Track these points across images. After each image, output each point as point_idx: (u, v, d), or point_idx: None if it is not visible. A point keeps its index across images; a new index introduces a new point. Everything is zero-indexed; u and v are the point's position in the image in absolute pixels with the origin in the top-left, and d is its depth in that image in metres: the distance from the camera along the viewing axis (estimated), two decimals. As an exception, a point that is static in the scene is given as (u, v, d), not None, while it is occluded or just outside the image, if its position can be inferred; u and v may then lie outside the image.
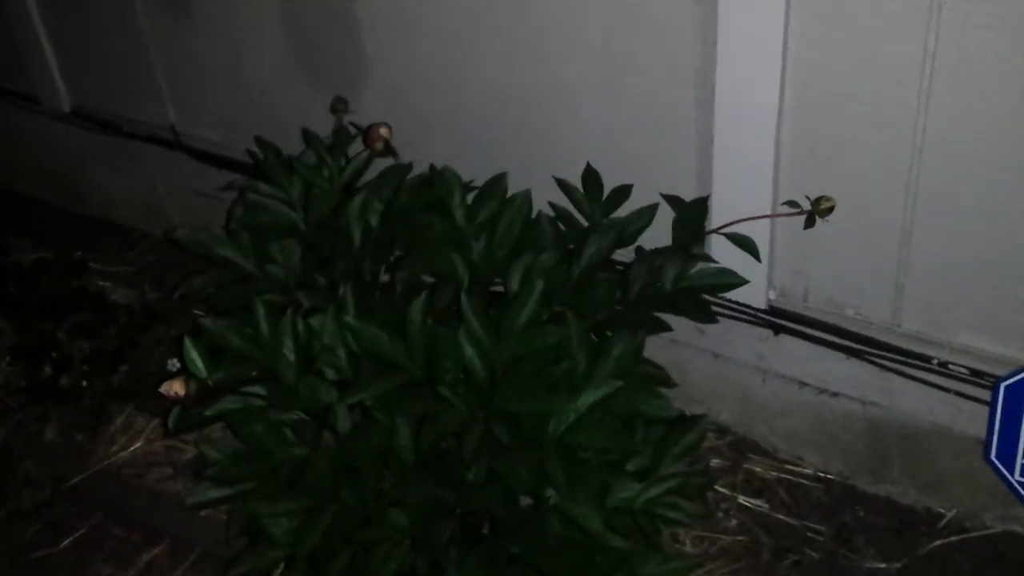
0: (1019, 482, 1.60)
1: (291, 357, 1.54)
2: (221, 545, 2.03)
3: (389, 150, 1.69)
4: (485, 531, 1.59)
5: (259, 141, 1.77)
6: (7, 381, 2.30)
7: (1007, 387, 1.54)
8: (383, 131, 1.67)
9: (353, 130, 1.78)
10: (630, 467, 1.68)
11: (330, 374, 1.65)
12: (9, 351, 2.32)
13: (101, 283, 2.59)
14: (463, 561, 1.50)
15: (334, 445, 1.55)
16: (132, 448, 2.23)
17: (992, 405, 1.59)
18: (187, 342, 1.50)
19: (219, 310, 1.81)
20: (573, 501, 1.50)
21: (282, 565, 1.70)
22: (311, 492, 1.55)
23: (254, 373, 1.61)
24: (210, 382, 1.48)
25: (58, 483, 2.22)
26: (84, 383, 2.24)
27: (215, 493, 1.68)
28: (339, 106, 1.96)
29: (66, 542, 2.14)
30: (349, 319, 1.53)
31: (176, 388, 1.45)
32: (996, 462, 1.61)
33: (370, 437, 1.55)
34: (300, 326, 1.55)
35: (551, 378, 1.54)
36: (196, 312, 2.36)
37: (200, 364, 1.50)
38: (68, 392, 2.23)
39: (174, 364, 2.26)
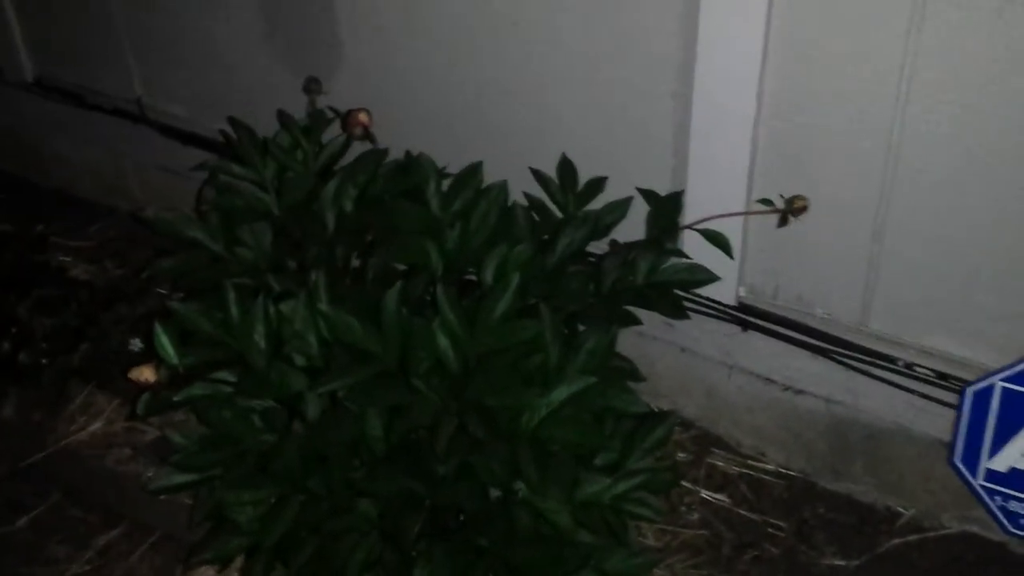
0: (981, 486, 1.62)
1: (262, 343, 1.52)
2: (181, 529, 2.03)
3: (368, 136, 1.67)
4: (453, 525, 1.58)
5: (232, 121, 1.74)
6: (-36, 359, 2.25)
7: (974, 392, 1.56)
8: (362, 116, 1.65)
9: (330, 114, 1.76)
10: (598, 462, 1.69)
11: (299, 360, 1.63)
12: (-33, 327, 2.28)
13: (62, 258, 2.54)
14: (431, 554, 1.50)
15: (303, 433, 1.54)
16: (91, 428, 2.20)
17: (959, 410, 1.60)
18: (157, 327, 1.48)
19: (186, 292, 1.78)
20: (543, 496, 1.49)
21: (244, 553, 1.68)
22: (278, 480, 1.54)
23: (222, 358, 1.59)
24: (180, 368, 1.46)
25: (15, 461, 2.18)
26: (44, 361, 2.20)
27: (179, 478, 1.66)
28: (313, 87, 1.92)
29: (22, 521, 2.11)
30: (322, 306, 1.51)
31: (146, 374, 1.42)
32: (960, 465, 1.63)
33: (340, 427, 1.53)
34: (271, 311, 1.53)
35: (524, 371, 1.53)
36: (161, 292, 2.33)
37: (170, 350, 1.47)
38: (27, 369, 2.19)
39: (136, 344, 2.23)
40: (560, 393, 1.52)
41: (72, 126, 2.73)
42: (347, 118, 1.67)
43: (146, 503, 2.08)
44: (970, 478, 1.63)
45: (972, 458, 1.60)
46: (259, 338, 1.53)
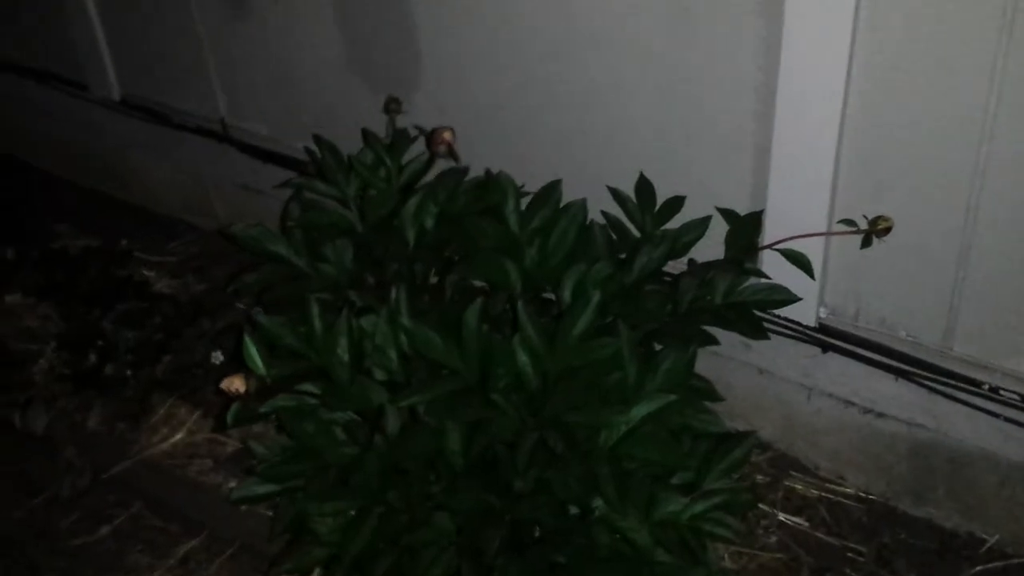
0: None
1: (345, 357, 1.55)
2: (259, 539, 2.06)
3: (452, 154, 1.69)
4: (529, 540, 1.59)
5: (317, 139, 1.77)
6: (52, 368, 2.31)
7: (1065, 417, 1.52)
8: (447, 135, 1.67)
9: (414, 132, 1.78)
10: (675, 481, 1.68)
11: (379, 375, 1.66)
12: (55, 338, 2.34)
13: (145, 273, 2.60)
14: (508, 569, 1.50)
15: (383, 447, 1.55)
16: (174, 439, 2.24)
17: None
18: (246, 338, 1.51)
19: (269, 306, 1.81)
20: (622, 514, 1.49)
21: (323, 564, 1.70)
22: (359, 493, 1.56)
23: (305, 371, 1.61)
24: (268, 380, 1.48)
25: (98, 472, 2.23)
26: (128, 373, 2.25)
27: (261, 489, 1.68)
28: (393, 106, 1.96)
29: (104, 531, 2.15)
30: (405, 321, 1.53)
31: (237, 385, 1.45)
32: (1050, 492, 1.60)
33: (419, 441, 1.55)
34: (354, 325, 1.55)
35: (602, 389, 1.53)
36: (242, 307, 2.37)
37: (259, 360, 1.50)
38: (112, 381, 2.24)
39: (218, 357, 2.27)
40: (639, 411, 1.51)
41: (155, 144, 2.80)
42: (432, 136, 1.69)
43: (226, 514, 2.12)
44: (1060, 505, 1.59)
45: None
46: (342, 352, 1.55)
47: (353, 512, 1.60)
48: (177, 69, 2.62)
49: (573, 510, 1.57)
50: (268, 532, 2.01)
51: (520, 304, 1.48)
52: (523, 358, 1.49)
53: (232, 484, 2.14)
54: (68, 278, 2.44)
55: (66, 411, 2.29)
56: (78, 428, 2.27)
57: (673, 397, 1.51)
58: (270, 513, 2.05)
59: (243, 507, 2.08)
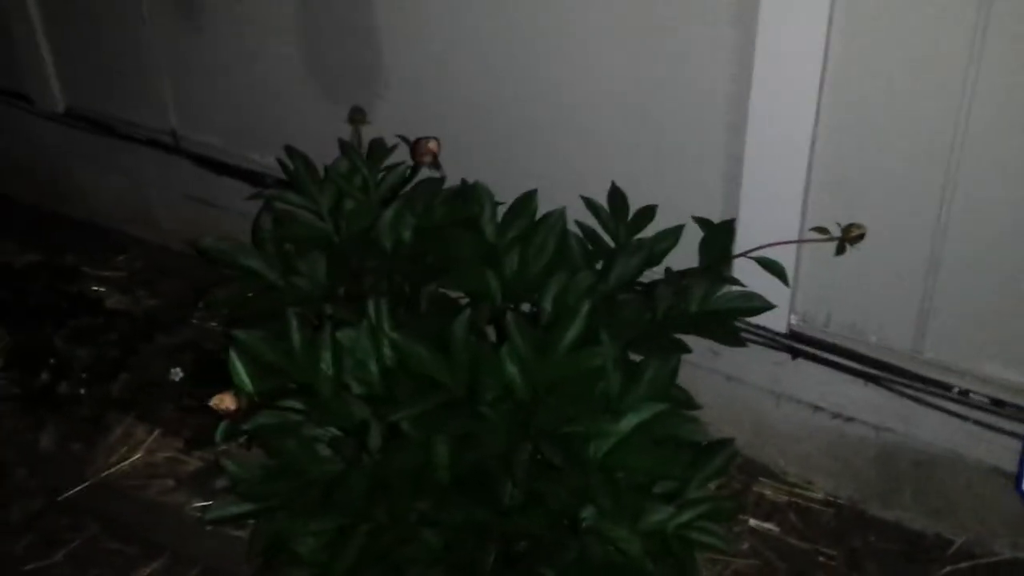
0: (1050, 512, 1.62)
1: (329, 371, 1.51)
2: (224, 561, 2.01)
3: (436, 164, 1.67)
4: (516, 555, 1.57)
5: (289, 149, 1.74)
6: (1, 387, 2.23)
7: (1043, 418, 1.56)
8: (432, 145, 1.65)
9: (394, 141, 1.75)
10: (657, 490, 1.68)
11: (357, 389, 1.62)
12: (3, 356, 2.25)
13: (94, 288, 2.52)
14: (500, 584, 1.48)
15: (368, 463, 1.52)
16: (132, 459, 2.17)
17: (1025, 437, 1.61)
18: (232, 355, 1.47)
19: (237, 322, 1.77)
20: (617, 524, 1.48)
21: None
22: (345, 510, 1.52)
23: (283, 387, 1.58)
24: (255, 396, 1.45)
25: (52, 494, 2.15)
26: (82, 391, 2.18)
27: (237, 508, 1.64)
28: (357, 116, 1.93)
29: (59, 555, 2.07)
30: (392, 333, 1.51)
31: (227, 402, 1.41)
32: (1027, 492, 1.63)
33: (405, 455, 1.52)
34: (338, 339, 1.52)
35: (592, 400, 1.52)
36: (196, 322, 2.32)
37: (245, 377, 1.46)
38: (65, 400, 2.17)
39: (177, 373, 2.22)
40: (629, 421, 1.51)
41: (101, 156, 2.72)
42: (416, 146, 1.67)
43: (188, 535, 2.06)
44: (1037, 505, 1.63)
45: (1040, 484, 1.60)
46: (325, 366, 1.52)
47: (337, 531, 1.56)
48: (126, 80, 2.55)
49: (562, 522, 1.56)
50: (234, 553, 1.97)
51: (510, 314, 1.46)
52: (512, 369, 1.48)
53: (196, 504, 2.08)
54: (14, 294, 2.35)
55: (16, 432, 2.21)
56: (29, 449, 2.19)
57: (663, 406, 1.51)
58: (237, 534, 2.00)
59: (208, 528, 2.03)
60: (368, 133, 1.93)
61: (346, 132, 1.93)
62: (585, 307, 1.49)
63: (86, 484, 2.16)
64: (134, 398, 2.23)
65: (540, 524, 1.50)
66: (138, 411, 2.22)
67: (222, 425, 1.46)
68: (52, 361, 2.19)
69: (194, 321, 2.39)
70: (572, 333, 1.50)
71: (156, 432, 2.19)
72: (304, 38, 2.23)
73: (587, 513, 1.54)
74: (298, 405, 1.50)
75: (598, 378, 1.56)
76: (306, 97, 2.29)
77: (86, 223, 2.89)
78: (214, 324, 2.44)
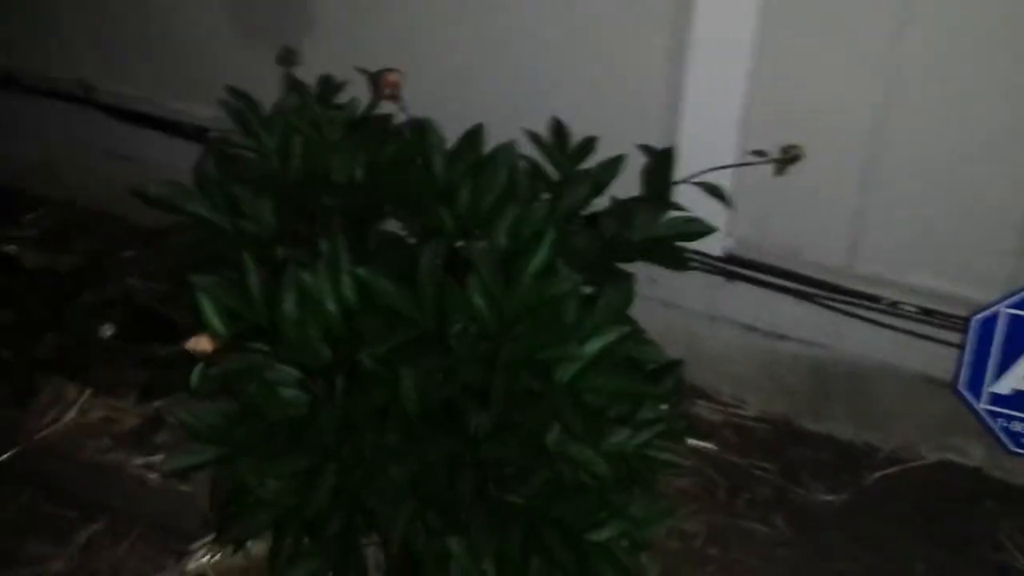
0: (985, 410, 1.72)
1: (294, 313, 1.50)
2: (168, 517, 1.98)
3: (397, 97, 1.65)
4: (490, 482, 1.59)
5: (231, 89, 1.69)
6: (-80, 355, 2.13)
7: (979, 321, 1.65)
8: (393, 77, 1.63)
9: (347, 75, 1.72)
10: (610, 414, 1.71)
11: (314, 331, 1.61)
12: (-81, 323, 2.16)
13: (7, 248, 2.42)
14: (476, 512, 1.50)
15: (337, 402, 1.52)
16: (64, 420, 2.11)
17: (963, 339, 1.69)
18: (202, 299, 1.43)
19: (185, 269, 1.72)
20: (582, 447, 1.51)
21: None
22: (313, 451, 1.51)
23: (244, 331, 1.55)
24: (227, 339, 1.42)
25: (-18, 461, 2.08)
26: (6, 355, 2.09)
27: (195, 458, 1.61)
28: (289, 57, 1.89)
29: (-4, 522, 2.02)
30: (358, 270, 1.49)
31: (203, 344, 1.38)
32: (964, 392, 1.72)
33: (374, 392, 1.52)
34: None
35: (556, 327, 1.54)
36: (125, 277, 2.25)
37: (218, 321, 1.43)
38: (-10, 364, 2.09)
39: (106, 331, 2.15)
40: (593, 345, 1.53)
41: (7, 113, 2.60)
42: (377, 78, 1.64)
43: (129, 494, 2.02)
44: (974, 403, 1.72)
45: (976, 384, 1.69)
46: (289, 307, 1.50)
47: (305, 472, 1.55)
48: (30, 31, 2.43)
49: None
50: (178, 509, 1.94)
51: (477, 245, 1.46)
52: (479, 301, 1.48)
53: (138, 462, 2.04)
54: (-75, 260, 2.24)
55: (-61, 401, 2.12)
56: (-45, 416, 2.11)
57: (626, 329, 1.54)
58: (183, 488, 1.97)
59: (149, 484, 2.00)
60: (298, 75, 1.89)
61: (270, 76, 1.88)
62: (550, 235, 1.50)
63: (18, 448, 2.09)
64: (62, 358, 2.16)
65: (511, 451, 1.51)
66: (67, 371, 2.15)
67: (198, 367, 1.43)
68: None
69: (128, 280, 2.31)
70: (537, 262, 1.51)
71: (87, 392, 2.13)
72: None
73: (552, 438, 1.56)
74: (264, 348, 1.48)
75: (560, 306, 1.58)
76: (228, 41, 2.23)
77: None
78: (133, 281, 2.38)
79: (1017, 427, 1.70)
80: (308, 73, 1.91)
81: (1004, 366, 1.66)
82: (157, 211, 1.67)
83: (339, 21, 2.09)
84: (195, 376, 1.43)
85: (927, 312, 1.88)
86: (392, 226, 1.77)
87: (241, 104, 1.67)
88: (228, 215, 1.67)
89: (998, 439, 1.73)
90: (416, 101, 1.94)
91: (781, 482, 2.08)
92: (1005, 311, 1.63)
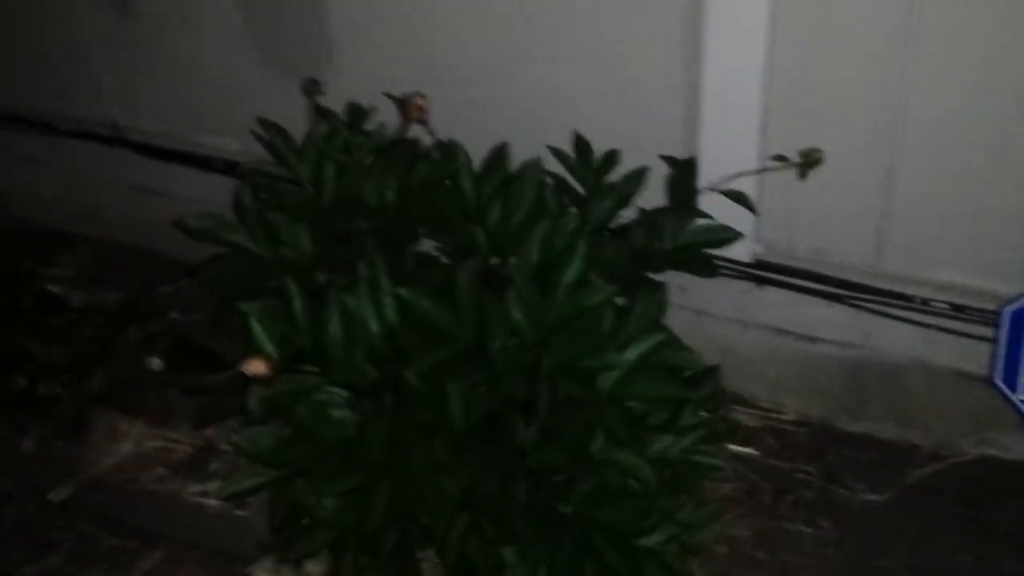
0: (1021, 399, 1.74)
1: (339, 335, 1.54)
2: (227, 542, 2.02)
3: (424, 121, 1.70)
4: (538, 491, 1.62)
5: (263, 122, 1.75)
6: (-24, 397, 2.20)
7: (1011, 312, 1.67)
8: (420, 101, 1.68)
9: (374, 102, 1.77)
10: (651, 421, 1.75)
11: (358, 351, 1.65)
12: (-25, 363, 2.22)
13: (51, 288, 2.48)
14: (529, 521, 1.53)
15: (385, 420, 1.56)
16: (119, 452, 2.16)
17: (996, 331, 1.72)
18: (253, 323, 1.48)
19: (227, 298, 1.78)
20: (627, 453, 1.54)
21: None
22: (365, 468, 1.56)
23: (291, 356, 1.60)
24: (278, 363, 1.47)
25: (39, 496, 2.13)
26: (61, 390, 2.15)
27: (252, 481, 1.65)
28: (312, 87, 1.94)
29: (57, 556, 2.06)
30: (399, 289, 1.54)
31: (259, 368, 1.42)
32: (1000, 384, 1.74)
33: (420, 408, 1.56)
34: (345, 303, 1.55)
35: (594, 336, 1.58)
36: (170, 312, 2.31)
37: (267, 344, 1.48)
38: (45, 401, 2.15)
39: (154, 362, 2.21)
40: (631, 353, 1.57)
41: (37, 154, 2.67)
42: (405, 104, 1.69)
43: (187, 522, 2.07)
44: (1010, 394, 1.74)
45: (1011, 375, 1.71)
46: (335, 330, 1.55)
47: (358, 490, 1.59)
48: (64, 75, 2.51)
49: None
50: (236, 534, 1.99)
51: (512, 261, 1.51)
52: (518, 314, 1.53)
53: (193, 489, 2.09)
54: (-24, 301, 2.31)
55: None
56: (12, 454, 2.16)
57: (663, 336, 1.57)
58: (239, 513, 2.02)
59: (206, 511, 2.05)
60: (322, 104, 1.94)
61: (295, 106, 1.94)
62: (581, 248, 1.55)
63: (75, 482, 2.14)
64: (114, 392, 2.22)
65: (558, 459, 1.55)
66: (119, 404, 2.21)
67: (256, 390, 1.48)
68: (27, 364, 2.16)
69: (173, 315, 2.37)
70: (570, 275, 1.55)
71: (140, 423, 2.19)
72: (250, 15, 2.23)
73: (597, 445, 1.59)
74: (315, 370, 1.52)
75: (596, 317, 1.62)
76: (254, 74, 2.29)
77: (25, 225, 2.83)
78: (175, 314, 2.44)
79: (1053, 415, 1.72)
80: (331, 101, 1.97)
81: (1038, 355, 1.68)
82: (191, 245, 1.73)
83: (358, 47, 2.15)
84: (252, 399, 1.47)
85: (958, 308, 1.90)
86: (424, 246, 1.83)
87: (273, 134, 1.73)
88: (267, 243, 1.72)
89: (1035, 429, 1.75)
90: (438, 122, 2.01)
91: (824, 484, 2.09)
92: (1037, 301, 1.66)
